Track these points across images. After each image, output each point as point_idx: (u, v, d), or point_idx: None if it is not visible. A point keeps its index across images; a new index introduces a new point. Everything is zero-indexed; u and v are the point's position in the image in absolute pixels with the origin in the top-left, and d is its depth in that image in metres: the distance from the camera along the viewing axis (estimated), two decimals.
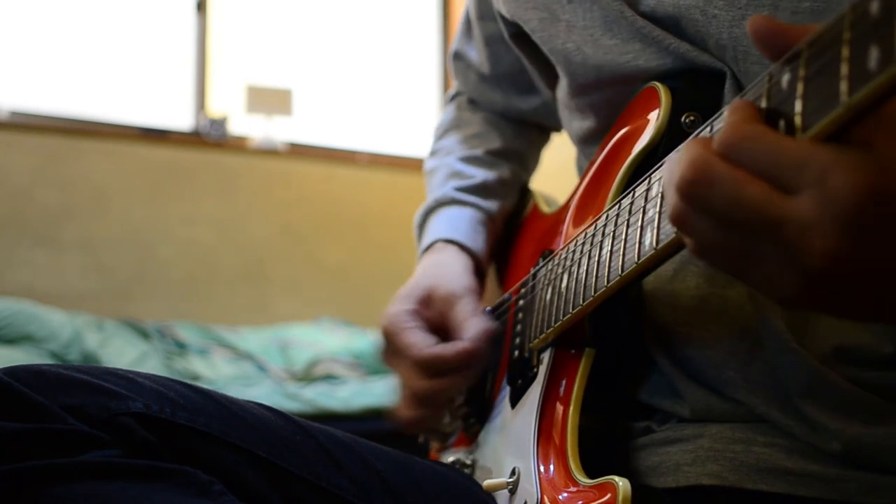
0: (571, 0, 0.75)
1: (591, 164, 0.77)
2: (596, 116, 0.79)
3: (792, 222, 0.39)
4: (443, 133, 1.12)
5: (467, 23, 1.08)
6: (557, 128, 1.10)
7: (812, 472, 0.60)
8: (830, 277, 0.40)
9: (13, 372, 0.60)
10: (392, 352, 0.83)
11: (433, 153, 1.11)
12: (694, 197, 0.43)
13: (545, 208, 0.98)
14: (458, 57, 1.10)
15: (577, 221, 0.76)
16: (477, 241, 0.96)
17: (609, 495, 0.57)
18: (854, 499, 0.59)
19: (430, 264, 0.92)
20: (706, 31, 0.65)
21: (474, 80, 1.08)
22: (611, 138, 0.74)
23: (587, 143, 0.83)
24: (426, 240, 0.98)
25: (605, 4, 0.72)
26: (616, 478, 0.57)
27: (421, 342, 0.79)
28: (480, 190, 1.01)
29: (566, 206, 0.82)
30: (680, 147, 0.52)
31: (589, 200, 0.75)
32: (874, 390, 0.60)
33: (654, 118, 0.67)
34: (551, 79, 0.91)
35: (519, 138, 1.08)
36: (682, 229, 0.46)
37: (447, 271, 0.89)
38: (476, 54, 1.06)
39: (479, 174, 1.02)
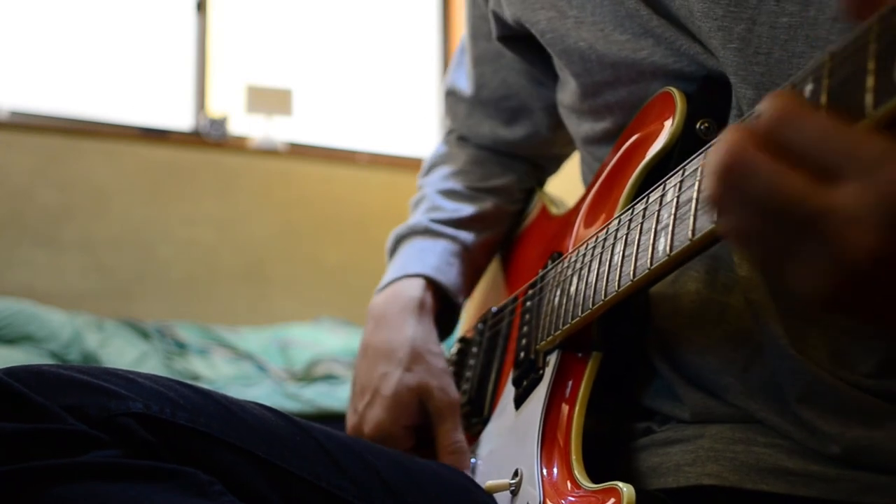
0: None
1: (604, 166, 0.77)
2: (612, 117, 0.78)
3: (835, 215, 0.36)
4: (430, 168, 1.11)
5: (461, 51, 1.07)
6: (548, 165, 1.10)
7: (813, 472, 0.60)
8: (874, 279, 0.37)
9: (13, 372, 0.60)
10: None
11: (419, 188, 1.10)
12: (731, 184, 0.40)
13: (553, 210, 0.98)
14: (449, 92, 1.09)
15: (588, 224, 0.76)
16: (448, 274, 0.95)
17: (613, 500, 0.57)
18: (855, 498, 0.59)
19: (389, 311, 0.92)
20: (703, 38, 0.66)
21: (463, 114, 1.07)
22: (624, 142, 0.74)
23: (598, 144, 0.82)
24: (394, 270, 0.97)
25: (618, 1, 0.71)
26: (620, 483, 0.57)
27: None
28: (456, 222, 0.99)
29: (576, 209, 0.82)
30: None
31: (600, 204, 0.75)
32: (874, 393, 0.60)
33: (669, 123, 0.67)
34: (552, 76, 0.91)
35: (506, 174, 1.06)
36: (718, 216, 0.43)
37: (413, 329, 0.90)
38: (465, 80, 1.05)
39: (457, 207, 1.01)
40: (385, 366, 0.87)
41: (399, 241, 1.01)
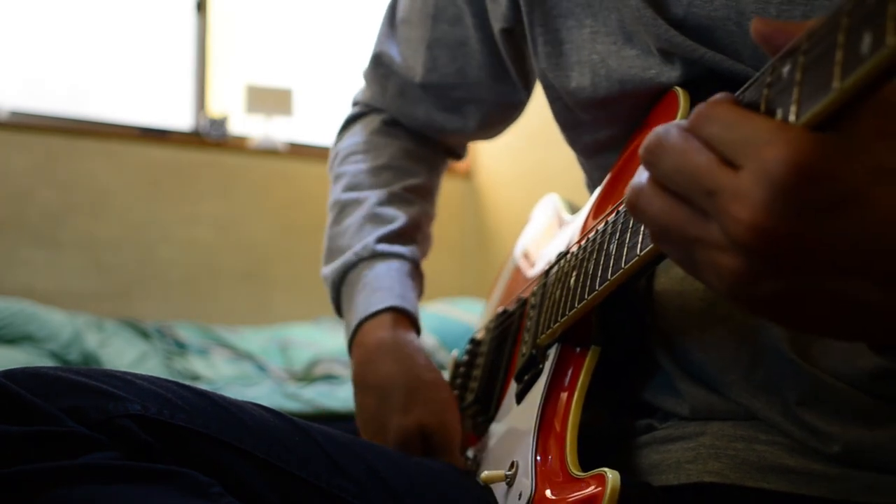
0: (591, 4, 0.74)
1: (612, 169, 0.77)
2: (618, 125, 0.77)
3: (724, 192, 0.39)
4: (348, 155, 1.06)
5: (392, 23, 1.03)
6: (464, 153, 1.11)
7: (814, 471, 0.60)
8: (765, 259, 0.38)
9: (11, 374, 0.60)
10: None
11: (337, 177, 1.04)
12: (647, 164, 0.43)
13: (566, 214, 0.99)
14: (379, 62, 1.03)
15: (593, 222, 0.76)
16: (412, 302, 0.93)
17: (599, 486, 0.57)
18: (856, 498, 0.59)
19: (375, 355, 0.88)
20: (743, 41, 0.64)
21: (394, 91, 1.03)
22: (630, 143, 0.75)
23: (602, 152, 0.82)
24: (360, 307, 0.92)
25: (629, 12, 0.70)
26: (607, 470, 0.57)
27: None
28: (401, 236, 0.96)
29: (585, 212, 0.83)
30: None
31: (605, 204, 0.75)
32: (877, 395, 0.59)
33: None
34: (530, 81, 0.93)
35: (432, 173, 1.05)
36: (636, 202, 0.45)
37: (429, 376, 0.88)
38: (403, 59, 1.00)
39: (399, 216, 0.97)
40: (384, 412, 0.86)
41: (347, 271, 0.96)
